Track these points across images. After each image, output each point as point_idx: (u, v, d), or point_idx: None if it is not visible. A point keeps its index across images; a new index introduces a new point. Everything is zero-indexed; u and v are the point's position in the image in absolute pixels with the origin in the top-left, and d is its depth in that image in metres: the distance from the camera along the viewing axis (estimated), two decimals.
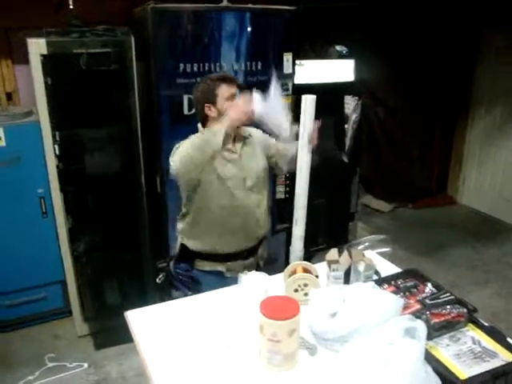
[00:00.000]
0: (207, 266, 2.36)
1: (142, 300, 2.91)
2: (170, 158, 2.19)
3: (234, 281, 2.17)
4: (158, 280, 2.47)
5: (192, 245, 2.35)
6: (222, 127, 2.04)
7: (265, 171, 2.39)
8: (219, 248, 2.30)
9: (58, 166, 3.04)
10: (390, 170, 5.46)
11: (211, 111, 2.19)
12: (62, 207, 3.14)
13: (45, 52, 2.80)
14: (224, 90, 2.17)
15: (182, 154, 2.10)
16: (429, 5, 4.53)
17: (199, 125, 2.27)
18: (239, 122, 2.11)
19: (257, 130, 2.42)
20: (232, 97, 2.17)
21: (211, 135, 2.05)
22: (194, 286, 2.35)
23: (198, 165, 2.09)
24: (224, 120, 2.07)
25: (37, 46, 2.80)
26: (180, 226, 2.40)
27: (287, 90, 3.29)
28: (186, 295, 2.29)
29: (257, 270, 2.33)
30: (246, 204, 2.28)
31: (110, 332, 3.18)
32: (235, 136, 2.29)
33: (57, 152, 3.00)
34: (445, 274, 4.14)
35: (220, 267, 2.34)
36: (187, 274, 2.36)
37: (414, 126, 5.47)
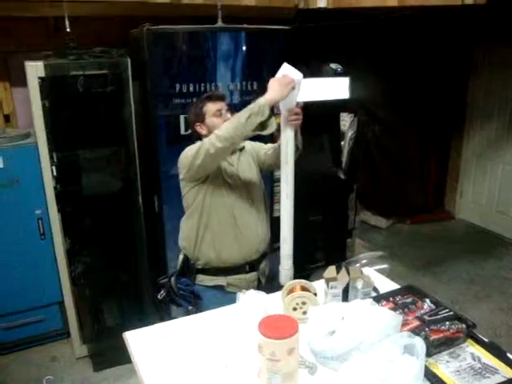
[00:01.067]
0: (208, 280, 2.36)
1: (142, 320, 2.90)
2: (184, 156, 2.22)
3: (235, 296, 2.17)
4: (159, 296, 2.46)
5: (194, 258, 2.35)
6: (264, 100, 1.99)
7: (259, 183, 2.42)
8: (221, 261, 2.31)
9: (55, 188, 3.04)
10: (387, 186, 5.48)
11: (202, 129, 2.29)
12: (59, 228, 3.14)
13: (42, 75, 2.83)
14: (210, 107, 2.27)
15: (216, 137, 2.05)
16: (423, 22, 4.58)
17: None
18: (282, 96, 2.01)
19: (248, 142, 2.46)
20: (218, 112, 2.25)
21: (255, 107, 1.99)
22: (195, 300, 2.35)
23: (229, 145, 2.06)
24: (266, 94, 2.01)
25: (34, 69, 2.83)
26: (182, 239, 2.41)
27: None
28: (187, 310, 2.29)
29: (258, 286, 2.34)
30: (247, 216, 2.31)
31: (109, 353, 3.16)
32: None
33: (54, 173, 3.01)
34: (444, 289, 4.14)
35: (221, 281, 2.35)
36: (188, 289, 2.36)
37: (410, 142, 5.50)
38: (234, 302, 2.03)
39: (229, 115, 2.24)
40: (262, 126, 2.02)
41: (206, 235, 2.30)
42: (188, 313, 2.23)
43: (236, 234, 2.29)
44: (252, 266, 2.39)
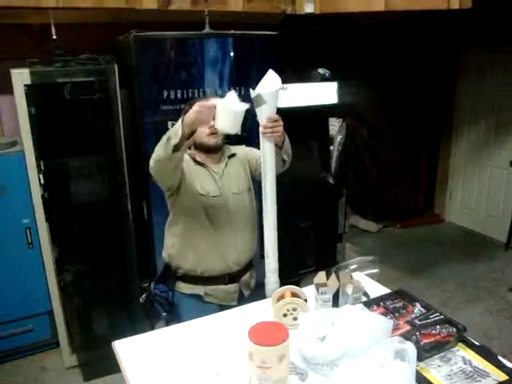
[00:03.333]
0: (187, 288, 2.33)
1: (132, 329, 2.88)
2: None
3: (212, 307, 2.20)
4: (141, 299, 2.47)
5: (174, 264, 2.33)
6: (180, 122, 1.90)
7: (248, 193, 2.35)
8: (198, 269, 2.27)
9: (43, 196, 3.02)
10: (376, 190, 5.50)
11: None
12: (48, 237, 3.11)
13: (28, 82, 2.81)
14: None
15: (153, 154, 2.03)
16: (410, 27, 4.61)
17: None
18: (196, 117, 1.88)
19: (242, 148, 2.41)
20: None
21: (173, 129, 1.92)
22: (169, 307, 2.34)
23: (162, 163, 1.99)
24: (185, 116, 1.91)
25: (20, 77, 2.81)
26: (165, 247, 2.39)
27: None
28: (161, 316, 2.27)
29: (239, 300, 2.31)
30: (225, 226, 2.25)
31: (99, 362, 3.12)
32: (220, 157, 2.30)
33: (42, 181, 2.99)
34: (434, 292, 4.16)
35: (199, 291, 2.31)
36: (163, 296, 2.34)
37: (399, 146, 5.52)
38: (211, 312, 2.04)
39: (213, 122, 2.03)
40: (176, 147, 1.90)
41: (184, 238, 2.26)
42: (163, 319, 2.22)
43: (214, 243, 2.24)
44: (232, 277, 2.33)
